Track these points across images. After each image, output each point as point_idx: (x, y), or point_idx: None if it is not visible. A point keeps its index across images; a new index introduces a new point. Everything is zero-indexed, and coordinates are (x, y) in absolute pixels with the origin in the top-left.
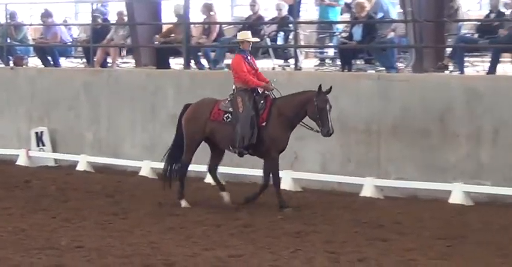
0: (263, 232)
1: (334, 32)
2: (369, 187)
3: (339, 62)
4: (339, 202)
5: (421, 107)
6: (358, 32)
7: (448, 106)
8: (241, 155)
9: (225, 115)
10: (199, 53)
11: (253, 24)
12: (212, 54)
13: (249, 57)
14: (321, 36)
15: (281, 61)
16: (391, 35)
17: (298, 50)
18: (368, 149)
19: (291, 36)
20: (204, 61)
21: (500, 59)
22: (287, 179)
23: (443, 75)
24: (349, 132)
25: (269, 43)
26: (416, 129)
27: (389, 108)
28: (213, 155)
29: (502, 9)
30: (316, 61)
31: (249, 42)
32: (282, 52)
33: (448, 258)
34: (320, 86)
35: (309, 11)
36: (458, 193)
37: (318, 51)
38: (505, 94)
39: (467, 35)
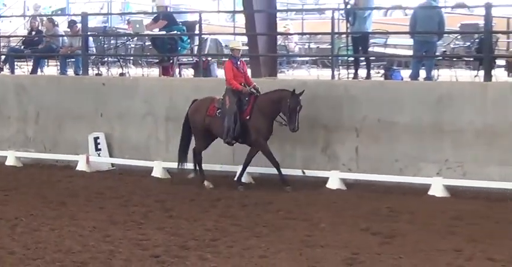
0: None
1: None
2: None
3: None
4: None
5: None
6: None
7: (4, 97)
8: (230, 144)
9: (217, 111)
10: None
11: None
12: None
13: (238, 62)
14: None
15: None
16: None
17: None
18: None
19: None
20: None
21: (16, 63)
22: None
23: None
24: None
25: None
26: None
27: None
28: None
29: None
30: None
31: (238, 49)
32: None
33: (7, 204)
34: (294, 90)
35: None
36: (11, 158)
37: None
38: (44, 87)
39: (16, 47)
